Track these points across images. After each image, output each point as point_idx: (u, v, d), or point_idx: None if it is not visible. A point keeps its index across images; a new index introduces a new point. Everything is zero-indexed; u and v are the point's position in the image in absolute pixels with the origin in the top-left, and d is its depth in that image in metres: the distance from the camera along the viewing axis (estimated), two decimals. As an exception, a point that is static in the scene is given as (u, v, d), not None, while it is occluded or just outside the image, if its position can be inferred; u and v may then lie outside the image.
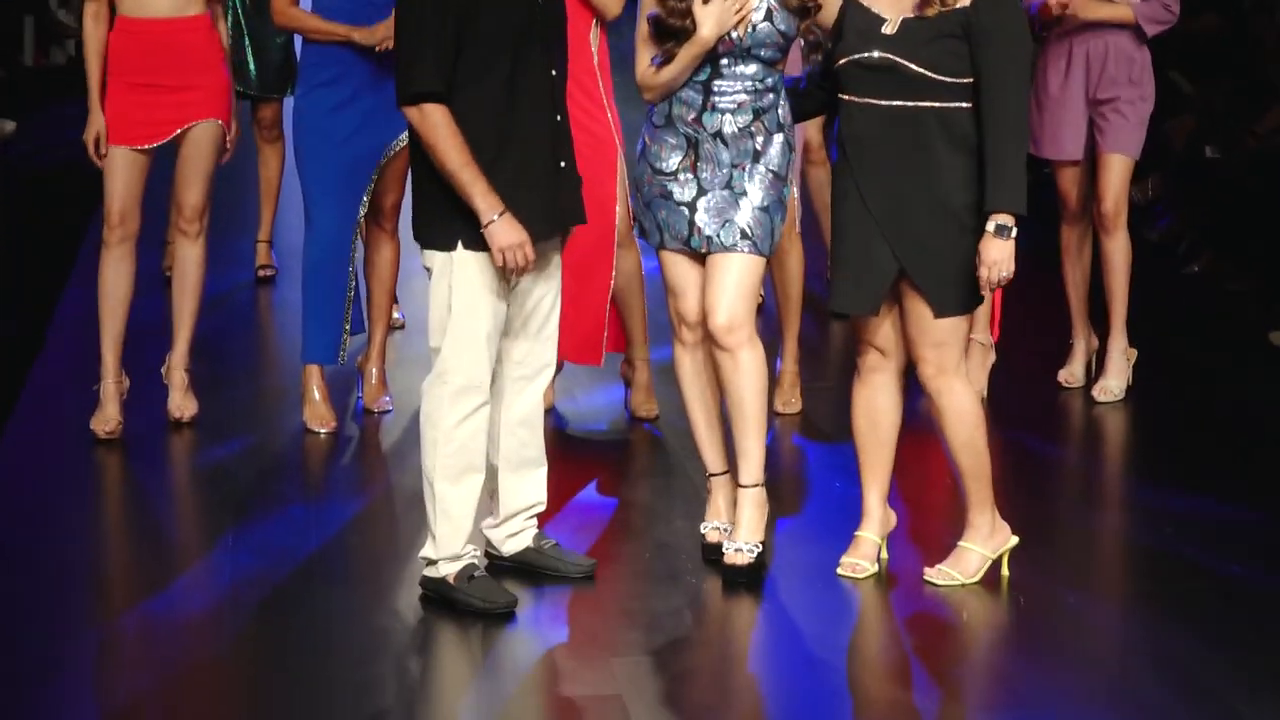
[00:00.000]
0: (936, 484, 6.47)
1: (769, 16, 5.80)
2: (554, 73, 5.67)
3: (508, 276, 5.55)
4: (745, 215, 5.81)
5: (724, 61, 5.81)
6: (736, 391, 5.87)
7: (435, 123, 5.47)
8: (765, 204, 5.83)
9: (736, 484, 5.97)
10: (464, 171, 5.46)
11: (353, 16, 6.99)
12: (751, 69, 5.83)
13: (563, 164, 5.70)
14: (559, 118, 5.69)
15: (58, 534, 6.44)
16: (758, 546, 5.91)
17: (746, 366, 5.83)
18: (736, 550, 5.90)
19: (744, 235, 5.81)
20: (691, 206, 5.83)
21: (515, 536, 5.92)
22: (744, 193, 5.82)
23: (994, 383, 7.59)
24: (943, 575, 5.86)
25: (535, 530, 5.96)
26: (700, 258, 5.88)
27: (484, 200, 5.46)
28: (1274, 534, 6.39)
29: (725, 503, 6.06)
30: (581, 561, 5.99)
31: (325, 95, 7.09)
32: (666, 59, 5.82)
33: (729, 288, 5.81)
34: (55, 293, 9.04)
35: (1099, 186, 7.62)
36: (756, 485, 5.94)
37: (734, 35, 5.78)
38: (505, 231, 5.47)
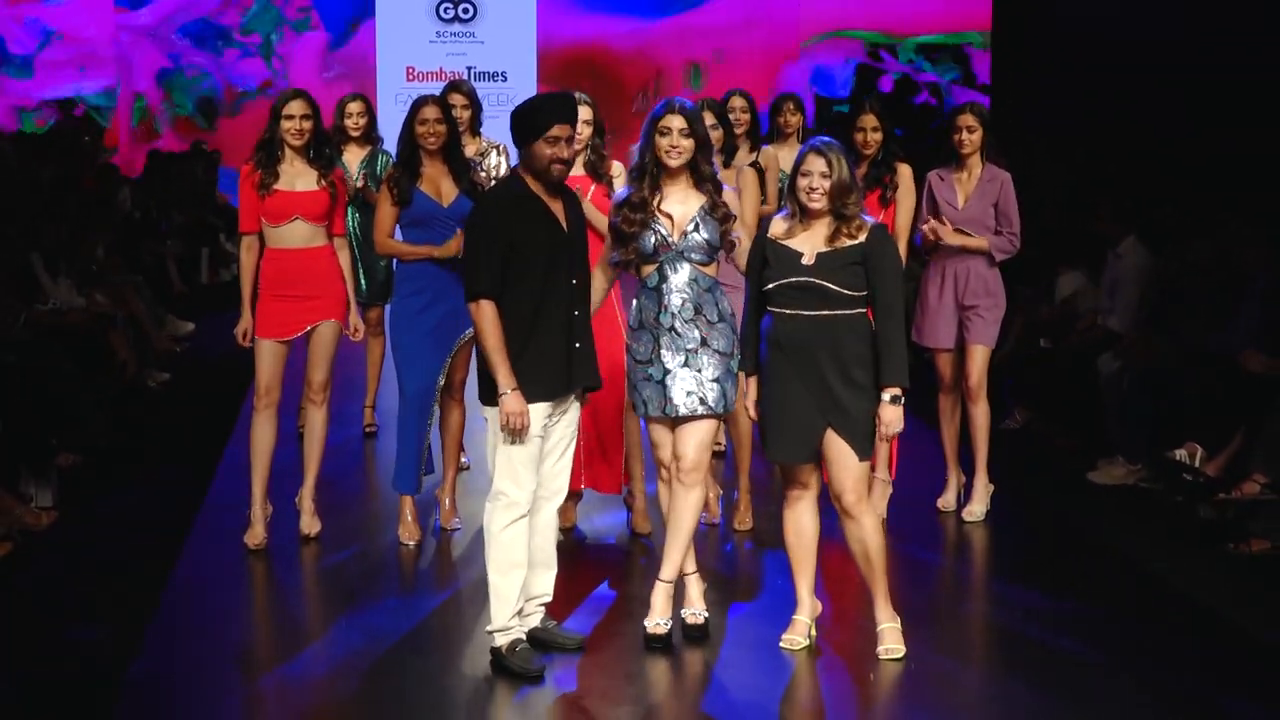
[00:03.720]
0: (849, 581, 6.44)
1: (697, 227, 5.81)
2: (574, 280, 5.68)
3: (511, 432, 5.55)
4: (704, 388, 5.81)
5: (666, 269, 5.81)
6: (679, 513, 5.85)
7: (485, 315, 5.54)
8: (717, 376, 5.82)
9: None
10: (496, 354, 5.52)
11: (430, 241, 7.04)
12: (686, 274, 5.80)
13: (577, 345, 5.68)
14: (576, 312, 5.68)
15: (221, 618, 6.42)
16: (701, 614, 5.98)
17: (694, 499, 5.84)
18: (690, 615, 6.01)
19: (702, 403, 5.81)
20: (663, 383, 5.83)
21: (528, 616, 5.86)
22: (700, 369, 5.81)
23: (891, 508, 7.57)
24: (888, 653, 5.80)
25: (543, 614, 5.91)
26: (672, 420, 5.87)
27: (504, 378, 5.51)
28: (1095, 619, 6.36)
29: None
30: (574, 636, 5.94)
31: (413, 301, 7.12)
32: (623, 259, 5.84)
33: (693, 443, 5.83)
34: (220, 444, 9.04)
35: (966, 368, 7.63)
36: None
37: (670, 240, 5.78)
38: (512, 402, 5.52)
